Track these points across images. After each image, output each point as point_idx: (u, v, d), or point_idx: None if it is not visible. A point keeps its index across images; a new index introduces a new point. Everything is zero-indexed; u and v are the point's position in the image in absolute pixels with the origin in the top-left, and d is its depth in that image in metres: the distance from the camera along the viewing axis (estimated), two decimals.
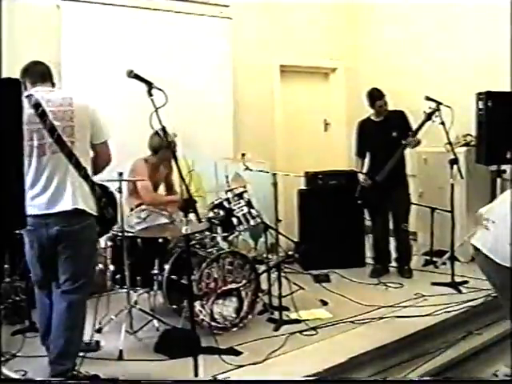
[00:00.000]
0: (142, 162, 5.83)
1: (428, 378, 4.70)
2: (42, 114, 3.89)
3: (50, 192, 3.94)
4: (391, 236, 7.05)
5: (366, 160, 7.01)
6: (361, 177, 6.93)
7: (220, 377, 4.29)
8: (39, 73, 4.16)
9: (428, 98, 6.39)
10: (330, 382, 4.65)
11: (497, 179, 6.86)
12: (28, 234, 4.05)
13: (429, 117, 6.34)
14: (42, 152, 3.93)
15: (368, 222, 7.43)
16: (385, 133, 6.72)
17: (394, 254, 7.14)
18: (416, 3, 8.32)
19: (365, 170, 6.98)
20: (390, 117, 6.81)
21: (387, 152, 6.60)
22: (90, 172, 4.11)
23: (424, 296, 6.02)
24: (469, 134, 7.28)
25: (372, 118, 6.94)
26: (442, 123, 6.24)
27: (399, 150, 6.56)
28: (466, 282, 6.40)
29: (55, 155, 3.94)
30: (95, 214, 4.12)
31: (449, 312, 5.51)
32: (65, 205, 3.95)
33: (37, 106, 3.90)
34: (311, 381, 4.35)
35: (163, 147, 5.62)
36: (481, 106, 6.63)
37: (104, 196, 4.26)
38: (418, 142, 6.62)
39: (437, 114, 6.28)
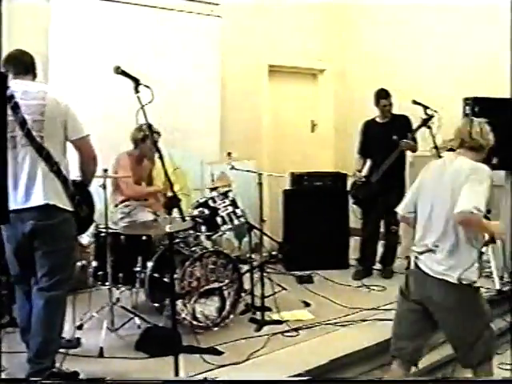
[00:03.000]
0: (125, 155, 5.81)
1: (427, 378, 4.70)
2: (14, 107, 3.84)
3: (22, 186, 3.91)
4: (380, 238, 7.09)
5: (368, 161, 7.03)
6: (357, 174, 6.98)
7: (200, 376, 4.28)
8: (23, 64, 4.12)
9: (415, 102, 6.40)
10: (325, 382, 4.67)
11: None
12: (5, 229, 4.01)
13: (424, 122, 6.38)
14: (14, 145, 3.89)
15: (352, 224, 7.45)
16: (386, 135, 6.80)
17: (378, 255, 7.17)
18: (405, 6, 8.32)
19: (365, 170, 7.01)
20: (393, 120, 6.94)
21: (387, 154, 6.66)
22: (65, 169, 4.06)
23: None
24: None
25: (377, 119, 7.06)
26: (429, 127, 6.26)
27: (395, 152, 6.61)
28: None
29: (25, 148, 3.91)
30: (70, 209, 4.08)
31: None
32: (36, 200, 3.91)
33: (11, 98, 3.85)
34: (305, 381, 4.35)
35: (144, 139, 5.60)
36: (467, 111, 6.63)
37: (78, 194, 4.20)
38: (413, 147, 6.67)
39: (433, 120, 6.31)
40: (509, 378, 4.70)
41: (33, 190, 3.93)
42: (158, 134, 5.46)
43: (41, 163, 3.95)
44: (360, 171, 7.02)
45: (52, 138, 4.00)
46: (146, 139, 5.17)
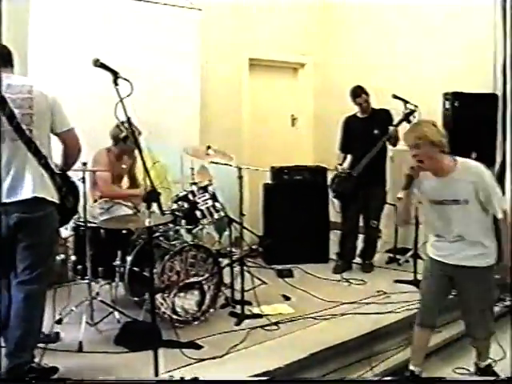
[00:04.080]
0: (105, 151, 5.79)
1: (425, 378, 4.73)
2: (1, 101, 3.81)
3: (8, 180, 3.87)
4: (360, 232, 7.11)
5: (349, 155, 7.03)
6: (339, 168, 6.98)
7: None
8: (3, 57, 4.07)
9: (395, 97, 6.43)
10: (320, 382, 4.68)
11: None
12: None
13: (406, 116, 6.39)
14: (1, 139, 3.86)
15: (332, 218, 7.47)
16: (368, 130, 6.81)
17: (358, 249, 7.19)
18: (386, 1, 8.33)
19: (346, 164, 7.01)
20: (374, 114, 6.94)
21: (368, 148, 6.67)
22: (50, 161, 4.05)
23: (386, 293, 6.06)
24: None
25: (358, 114, 7.06)
26: (409, 121, 6.28)
27: (376, 147, 6.62)
28: None
29: (14, 143, 3.87)
30: (56, 201, 4.06)
31: (410, 310, 5.51)
32: (24, 193, 3.88)
33: None
34: (299, 381, 4.37)
35: (124, 138, 5.57)
36: (447, 106, 6.67)
37: (65, 185, 4.20)
38: (395, 141, 6.67)
39: (415, 114, 6.33)
40: (509, 377, 4.72)
41: (21, 183, 3.90)
42: (139, 132, 5.45)
43: (29, 157, 3.92)
44: (341, 165, 7.03)
45: (40, 131, 3.97)
46: (127, 139, 5.14)
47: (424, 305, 4.56)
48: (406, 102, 6.37)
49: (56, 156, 4.22)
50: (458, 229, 4.26)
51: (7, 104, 3.80)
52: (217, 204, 5.70)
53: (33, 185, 3.91)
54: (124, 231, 5.33)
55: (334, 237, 7.48)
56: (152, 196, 3.82)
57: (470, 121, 6.57)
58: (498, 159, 6.65)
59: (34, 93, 3.94)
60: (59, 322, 5.01)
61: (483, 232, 4.32)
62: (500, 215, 4.22)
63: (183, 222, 5.61)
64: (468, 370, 4.89)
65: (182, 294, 5.17)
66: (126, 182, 6.17)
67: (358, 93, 6.90)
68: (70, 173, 4.41)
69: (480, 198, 4.18)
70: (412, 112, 6.37)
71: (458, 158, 4.29)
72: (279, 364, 4.41)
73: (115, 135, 5.73)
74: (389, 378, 4.63)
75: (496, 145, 6.66)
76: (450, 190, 4.21)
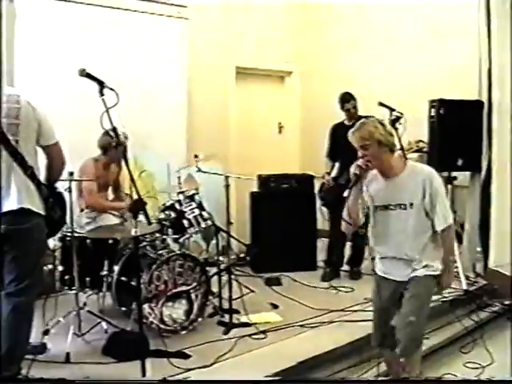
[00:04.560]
0: (91, 161, 5.74)
1: (425, 379, 4.73)
2: None
3: None
4: (347, 240, 7.11)
5: (337, 163, 7.03)
6: (326, 177, 6.99)
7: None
8: None
9: (381, 104, 6.43)
10: (318, 383, 4.68)
11: (448, 186, 6.93)
12: None
13: (393, 123, 6.39)
14: None
15: (320, 226, 7.47)
16: None
17: (346, 256, 7.20)
18: (373, 8, 8.36)
19: (334, 172, 7.01)
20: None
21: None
22: (37, 172, 4.03)
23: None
24: (421, 140, 7.33)
25: (345, 122, 7.04)
26: (396, 129, 6.29)
27: None
28: None
29: None
30: (42, 213, 4.04)
31: None
32: (10, 204, 3.86)
33: None
34: (296, 381, 4.37)
35: (112, 147, 5.55)
36: (433, 113, 6.69)
37: (51, 196, 4.18)
38: None
39: (401, 121, 6.34)
40: (508, 378, 4.74)
41: (8, 194, 3.87)
42: (126, 138, 5.44)
43: (15, 168, 3.90)
44: (329, 173, 7.03)
45: (26, 141, 3.94)
46: (118, 147, 5.15)
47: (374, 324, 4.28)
48: (391, 109, 6.36)
49: (42, 167, 4.21)
50: (403, 237, 3.95)
51: None
52: (204, 213, 5.70)
53: (19, 196, 3.88)
54: (111, 241, 5.31)
55: (322, 244, 7.48)
56: (138, 206, 3.81)
57: (455, 127, 6.59)
58: (484, 165, 6.67)
59: (22, 103, 3.92)
60: (46, 332, 4.97)
61: (427, 239, 3.97)
62: (440, 226, 3.94)
63: (170, 231, 5.60)
64: (456, 376, 4.89)
65: (169, 304, 5.16)
66: (110, 191, 6.14)
67: (346, 98, 6.92)
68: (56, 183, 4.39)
69: (425, 202, 3.90)
70: (398, 118, 6.36)
71: (409, 160, 4.14)
72: (267, 373, 4.41)
73: (105, 144, 5.68)
74: (386, 378, 4.62)
75: (482, 151, 6.68)
76: (396, 192, 3.95)
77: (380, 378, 4.65)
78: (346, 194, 4.02)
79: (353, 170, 4.00)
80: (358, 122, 4.15)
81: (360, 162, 3.99)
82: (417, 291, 3.95)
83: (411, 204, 3.92)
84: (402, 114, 6.23)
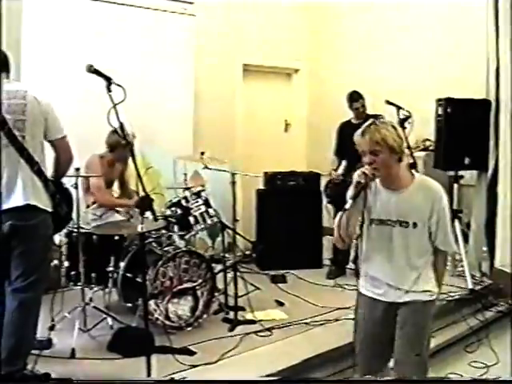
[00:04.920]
0: (97, 158, 5.73)
1: (425, 379, 4.72)
2: None
3: (2, 187, 3.86)
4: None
5: (344, 161, 7.02)
6: (333, 174, 6.98)
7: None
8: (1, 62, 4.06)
9: (388, 102, 6.42)
10: (319, 382, 4.67)
11: (454, 185, 6.92)
12: None
13: (401, 123, 6.38)
14: None
15: (326, 224, 7.46)
16: None
17: (351, 254, 7.18)
18: (380, 6, 8.34)
19: (341, 169, 6.99)
20: (368, 120, 6.87)
21: None
22: (44, 168, 4.04)
23: None
24: (428, 139, 7.33)
25: (352, 120, 7.05)
26: (404, 128, 6.28)
27: None
28: None
29: (6, 149, 3.85)
30: (49, 209, 4.05)
31: None
32: (16, 200, 3.87)
33: None
34: (299, 380, 4.36)
35: (120, 146, 5.55)
36: (440, 112, 6.68)
37: (58, 192, 4.18)
38: None
39: (409, 120, 6.32)
40: (509, 378, 4.73)
41: (13, 190, 3.88)
42: (134, 136, 5.44)
43: (22, 164, 3.90)
44: (336, 171, 7.02)
45: (33, 137, 3.95)
46: (127, 145, 5.15)
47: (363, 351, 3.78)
48: (399, 107, 6.35)
49: (49, 163, 4.21)
50: (399, 257, 3.54)
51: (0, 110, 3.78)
52: (210, 210, 5.71)
53: (24, 192, 3.89)
54: (117, 237, 5.32)
55: (328, 242, 7.47)
56: (145, 202, 3.81)
57: (462, 126, 6.58)
58: (491, 164, 6.65)
59: (28, 98, 3.92)
60: (52, 328, 4.99)
61: (425, 262, 3.59)
62: (448, 248, 3.61)
63: (176, 227, 5.61)
64: (461, 375, 4.88)
65: (175, 300, 5.16)
66: (116, 187, 6.14)
67: (355, 97, 6.91)
68: (63, 179, 4.40)
69: (431, 221, 3.50)
70: (407, 118, 6.35)
71: (415, 173, 3.67)
72: (272, 370, 4.41)
73: (113, 143, 5.68)
74: (389, 378, 4.61)
75: (489, 150, 6.66)
76: (401, 208, 3.49)
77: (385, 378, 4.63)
78: (347, 206, 3.50)
79: (356, 177, 3.47)
80: (368, 123, 3.63)
81: (367, 169, 3.45)
82: (417, 320, 3.58)
83: (415, 224, 3.49)
84: (409, 112, 6.22)
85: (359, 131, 3.62)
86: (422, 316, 3.60)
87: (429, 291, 3.58)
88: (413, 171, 3.66)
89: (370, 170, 3.42)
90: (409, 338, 3.58)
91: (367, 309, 3.71)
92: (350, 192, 3.53)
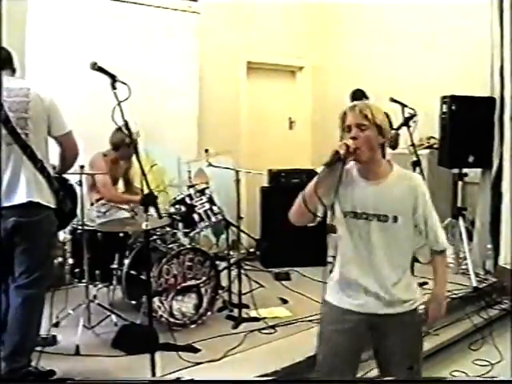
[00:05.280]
0: (100, 156, 5.75)
1: (426, 378, 4.71)
2: None
3: (4, 184, 3.87)
4: None
5: None
6: None
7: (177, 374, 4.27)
8: (2, 59, 4.06)
9: (393, 100, 6.42)
10: (320, 382, 4.66)
11: (458, 182, 6.92)
12: None
13: (407, 121, 6.37)
14: None
15: (329, 221, 7.45)
16: None
17: None
18: (384, 4, 8.34)
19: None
20: None
21: None
22: (47, 165, 4.05)
23: None
24: (432, 137, 7.33)
25: None
26: (409, 126, 6.29)
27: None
28: (425, 283, 6.42)
29: (9, 146, 3.86)
30: (52, 206, 4.06)
31: None
32: (19, 197, 3.88)
33: None
34: (300, 380, 4.36)
35: (125, 144, 5.57)
36: (445, 110, 6.67)
37: (62, 189, 4.19)
38: (395, 144, 6.64)
39: (414, 119, 6.32)
40: (509, 378, 4.73)
41: (17, 187, 3.90)
42: (138, 135, 5.46)
43: (25, 161, 3.92)
44: None
45: (36, 134, 3.97)
46: (131, 144, 5.15)
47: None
48: (403, 105, 6.35)
49: (54, 159, 4.22)
50: (378, 256, 3.17)
51: (2, 108, 3.79)
52: (214, 207, 5.71)
53: (28, 189, 3.90)
54: (121, 234, 5.34)
55: (332, 240, 7.46)
56: (149, 199, 3.82)
57: (467, 124, 6.57)
58: (495, 162, 6.65)
59: (31, 96, 3.93)
60: (56, 325, 5.01)
61: (407, 262, 3.29)
62: (440, 246, 3.32)
63: (180, 225, 5.61)
64: (465, 373, 4.88)
65: (179, 298, 5.17)
66: (121, 185, 6.15)
67: (358, 96, 6.90)
68: (67, 176, 4.41)
69: (417, 216, 3.19)
70: (412, 116, 6.34)
71: (394, 164, 3.30)
72: (276, 367, 4.42)
73: (118, 141, 5.70)
74: (389, 379, 4.60)
75: (493, 148, 6.65)
76: (379, 200, 3.14)
77: (386, 379, 4.63)
78: (320, 172, 3.11)
79: (337, 147, 3.11)
80: (361, 101, 3.36)
81: (350, 142, 3.11)
82: (406, 335, 3.25)
83: (395, 217, 3.13)
84: (414, 110, 6.21)
85: (350, 104, 3.33)
86: (409, 327, 3.27)
87: (412, 299, 3.25)
88: (392, 162, 3.29)
89: (353, 144, 3.09)
90: (400, 354, 3.26)
91: (337, 320, 3.28)
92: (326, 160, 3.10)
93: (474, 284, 6.29)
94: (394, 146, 6.71)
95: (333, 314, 3.32)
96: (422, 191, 3.22)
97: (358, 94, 6.92)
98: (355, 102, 3.32)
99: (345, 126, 3.27)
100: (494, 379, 4.79)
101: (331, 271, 3.60)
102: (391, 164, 3.27)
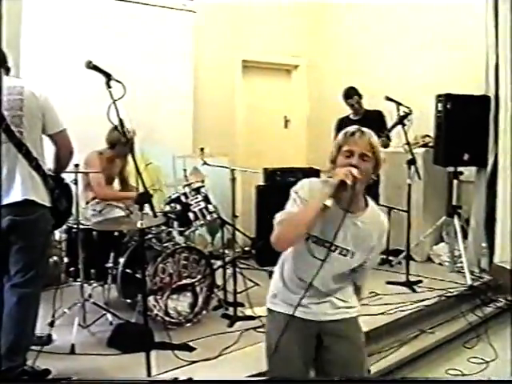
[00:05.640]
0: (96, 155, 5.73)
1: (427, 378, 4.72)
2: None
3: (1, 182, 3.86)
4: None
5: None
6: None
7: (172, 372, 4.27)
8: None
9: (388, 99, 6.44)
10: (320, 382, 4.66)
11: (453, 181, 6.93)
12: None
13: (401, 120, 6.39)
14: None
15: None
16: None
17: None
18: (380, 3, 8.34)
19: None
20: (367, 116, 6.98)
21: None
22: (43, 163, 4.04)
23: (379, 295, 6.04)
24: (427, 135, 7.35)
25: (350, 116, 7.13)
26: (403, 125, 6.30)
27: None
28: (420, 281, 6.46)
29: (4, 145, 3.86)
30: (48, 204, 4.05)
31: (403, 311, 5.54)
32: (15, 196, 3.87)
33: None
34: (299, 381, 4.36)
35: (121, 143, 5.56)
36: (440, 108, 6.68)
37: (57, 188, 4.19)
38: (386, 144, 6.64)
39: (409, 117, 6.33)
40: (508, 378, 4.74)
41: (12, 186, 3.88)
42: (134, 134, 5.46)
43: (20, 159, 3.91)
44: None
45: (31, 132, 3.95)
46: (127, 143, 5.16)
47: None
48: (398, 103, 6.37)
49: (49, 162, 4.22)
50: (324, 276, 3.13)
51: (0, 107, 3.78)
52: (209, 206, 5.71)
53: (23, 187, 3.89)
54: (116, 233, 5.33)
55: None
56: (144, 198, 3.81)
57: (462, 122, 6.59)
58: (490, 161, 6.66)
59: (25, 94, 3.92)
60: (51, 324, 4.99)
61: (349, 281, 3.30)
62: (361, 283, 3.38)
63: (176, 223, 5.61)
64: (460, 371, 4.89)
65: (174, 296, 5.16)
66: (116, 184, 6.15)
67: (350, 94, 6.96)
68: (62, 175, 4.40)
69: (367, 257, 3.17)
70: (407, 115, 6.36)
71: (368, 198, 3.20)
72: None
73: (114, 140, 5.69)
74: (388, 378, 4.62)
75: (488, 146, 6.66)
76: (351, 236, 3.08)
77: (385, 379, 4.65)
78: (328, 203, 2.91)
79: (342, 176, 2.95)
80: (361, 129, 3.17)
81: (354, 171, 2.95)
82: (352, 333, 3.32)
83: (353, 254, 3.10)
84: (409, 109, 6.22)
85: (357, 127, 3.18)
86: (355, 329, 3.35)
87: (355, 307, 3.35)
88: (367, 197, 3.18)
89: (358, 173, 2.94)
90: (346, 348, 3.26)
91: (282, 328, 3.19)
92: (330, 190, 2.98)
93: (469, 282, 6.31)
94: (386, 145, 6.71)
95: (279, 322, 3.29)
96: (385, 231, 3.18)
97: (350, 92, 6.95)
98: (363, 128, 3.16)
99: (344, 149, 3.13)
100: (493, 379, 4.80)
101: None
102: (366, 199, 3.18)
